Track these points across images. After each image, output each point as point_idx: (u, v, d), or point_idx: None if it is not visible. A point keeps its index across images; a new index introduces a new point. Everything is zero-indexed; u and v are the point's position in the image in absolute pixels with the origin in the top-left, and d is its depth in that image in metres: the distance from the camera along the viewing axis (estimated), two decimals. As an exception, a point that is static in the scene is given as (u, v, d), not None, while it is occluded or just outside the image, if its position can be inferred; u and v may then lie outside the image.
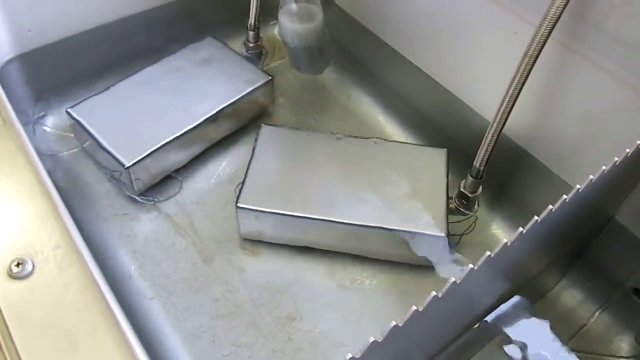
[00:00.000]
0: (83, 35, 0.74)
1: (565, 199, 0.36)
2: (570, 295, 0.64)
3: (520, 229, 0.35)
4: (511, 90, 0.55)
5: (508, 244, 0.34)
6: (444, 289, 0.32)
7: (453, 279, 0.32)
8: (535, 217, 0.35)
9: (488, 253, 0.34)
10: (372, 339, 0.30)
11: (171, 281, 0.63)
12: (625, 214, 0.58)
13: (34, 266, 0.42)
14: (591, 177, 0.37)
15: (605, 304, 0.63)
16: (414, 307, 0.32)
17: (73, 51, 0.74)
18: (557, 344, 0.61)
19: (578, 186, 0.37)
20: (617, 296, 0.63)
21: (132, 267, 0.64)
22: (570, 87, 0.56)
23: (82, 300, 0.41)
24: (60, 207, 0.44)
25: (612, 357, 0.61)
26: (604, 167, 0.38)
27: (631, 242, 0.58)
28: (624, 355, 0.60)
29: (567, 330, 0.62)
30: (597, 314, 0.63)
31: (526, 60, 0.52)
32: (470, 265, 0.33)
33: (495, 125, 0.58)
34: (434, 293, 0.32)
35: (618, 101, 0.52)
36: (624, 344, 0.61)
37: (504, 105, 0.56)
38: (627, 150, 0.40)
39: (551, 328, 0.61)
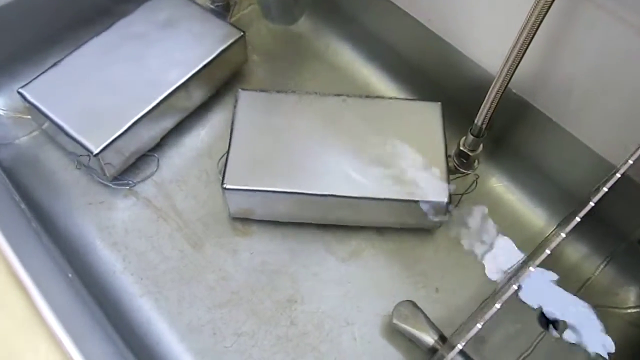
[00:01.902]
0: (18, 3, 0.64)
1: (619, 177, 0.33)
2: (574, 249, 0.63)
3: (577, 218, 0.32)
4: (519, 44, 0.50)
5: (564, 235, 0.31)
6: (503, 298, 0.29)
7: (515, 287, 0.29)
8: (591, 203, 0.32)
9: (548, 252, 0.30)
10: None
11: (160, 273, 0.59)
12: (633, 167, 0.55)
13: None
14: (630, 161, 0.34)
15: (610, 257, 0.62)
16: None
17: (11, 22, 0.65)
18: (566, 298, 0.60)
19: (630, 162, 0.33)
20: (621, 248, 0.62)
21: (116, 262, 0.59)
22: (582, 37, 0.51)
23: None
24: (35, 297, 0.36)
25: (619, 309, 0.60)
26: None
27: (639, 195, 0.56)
28: (631, 306, 0.60)
29: (572, 285, 0.61)
30: (602, 266, 0.62)
31: (537, 10, 0.47)
32: (532, 269, 0.30)
33: (500, 81, 0.53)
34: (497, 306, 0.28)
35: (633, 53, 0.48)
36: (630, 295, 0.60)
37: (510, 61, 0.51)
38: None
39: (558, 283, 0.61)
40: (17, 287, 0.37)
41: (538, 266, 0.57)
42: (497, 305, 0.29)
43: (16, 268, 0.37)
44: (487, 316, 0.29)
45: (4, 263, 0.37)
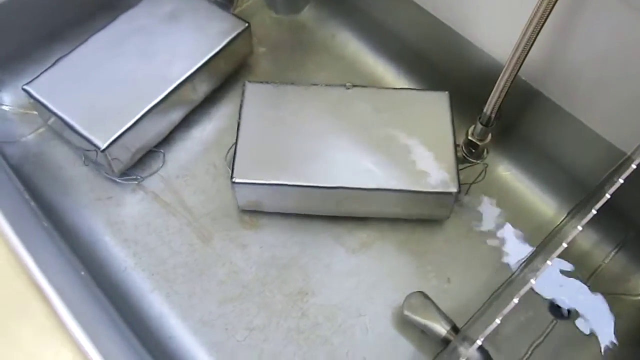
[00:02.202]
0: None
1: (634, 168, 0.33)
2: (585, 237, 0.63)
3: (594, 210, 0.32)
4: (529, 32, 0.49)
5: (580, 229, 0.31)
6: (521, 292, 0.29)
7: (533, 282, 0.29)
8: (607, 195, 0.32)
9: (565, 245, 0.31)
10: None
11: (170, 267, 0.59)
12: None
13: None
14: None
15: (621, 244, 0.62)
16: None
17: (13, 19, 0.64)
18: (577, 286, 0.60)
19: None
20: (632, 235, 0.61)
21: (126, 258, 0.59)
22: (592, 24, 0.50)
23: None
24: (50, 296, 0.36)
25: (630, 295, 0.60)
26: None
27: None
28: (643, 293, 0.60)
29: (583, 272, 0.61)
30: (612, 254, 0.62)
31: (546, 1, 0.46)
32: (549, 262, 0.30)
33: (509, 70, 0.53)
34: (515, 301, 0.28)
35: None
36: (642, 282, 0.60)
37: (520, 49, 0.51)
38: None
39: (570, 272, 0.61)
40: (32, 286, 0.37)
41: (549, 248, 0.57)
42: (515, 300, 0.29)
43: (30, 268, 0.37)
44: (505, 311, 0.29)
45: (18, 264, 0.37)
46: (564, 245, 0.31)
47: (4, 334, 0.35)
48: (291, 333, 0.56)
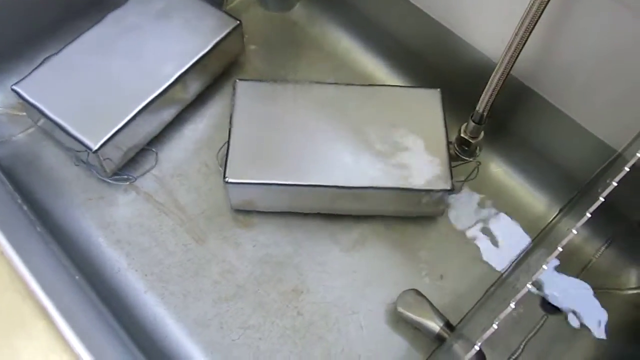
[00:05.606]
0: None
1: (627, 170, 0.33)
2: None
3: (588, 214, 0.32)
4: (522, 30, 0.49)
5: (575, 232, 0.32)
6: (517, 297, 0.29)
7: (529, 287, 0.29)
8: (601, 199, 0.33)
9: (560, 249, 0.31)
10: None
11: (164, 268, 0.59)
12: (632, 150, 0.56)
13: None
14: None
15: (610, 239, 0.62)
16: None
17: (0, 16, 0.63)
18: (568, 281, 0.61)
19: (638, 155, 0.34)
20: (622, 230, 0.62)
21: (120, 259, 0.59)
22: (586, 22, 0.51)
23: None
24: (44, 301, 0.35)
25: (620, 290, 0.61)
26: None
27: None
28: (632, 287, 0.61)
29: (573, 268, 0.62)
30: (602, 249, 0.63)
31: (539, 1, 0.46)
32: (544, 267, 0.30)
33: (502, 68, 0.53)
34: (512, 306, 0.29)
35: (636, 38, 0.48)
36: (632, 277, 0.61)
37: (512, 47, 0.51)
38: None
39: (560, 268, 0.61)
40: (28, 295, 0.36)
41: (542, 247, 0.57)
42: (512, 305, 0.29)
43: (26, 276, 0.36)
44: (502, 315, 0.29)
45: (13, 272, 0.36)
46: (559, 249, 0.32)
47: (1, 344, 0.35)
48: (287, 331, 0.56)
